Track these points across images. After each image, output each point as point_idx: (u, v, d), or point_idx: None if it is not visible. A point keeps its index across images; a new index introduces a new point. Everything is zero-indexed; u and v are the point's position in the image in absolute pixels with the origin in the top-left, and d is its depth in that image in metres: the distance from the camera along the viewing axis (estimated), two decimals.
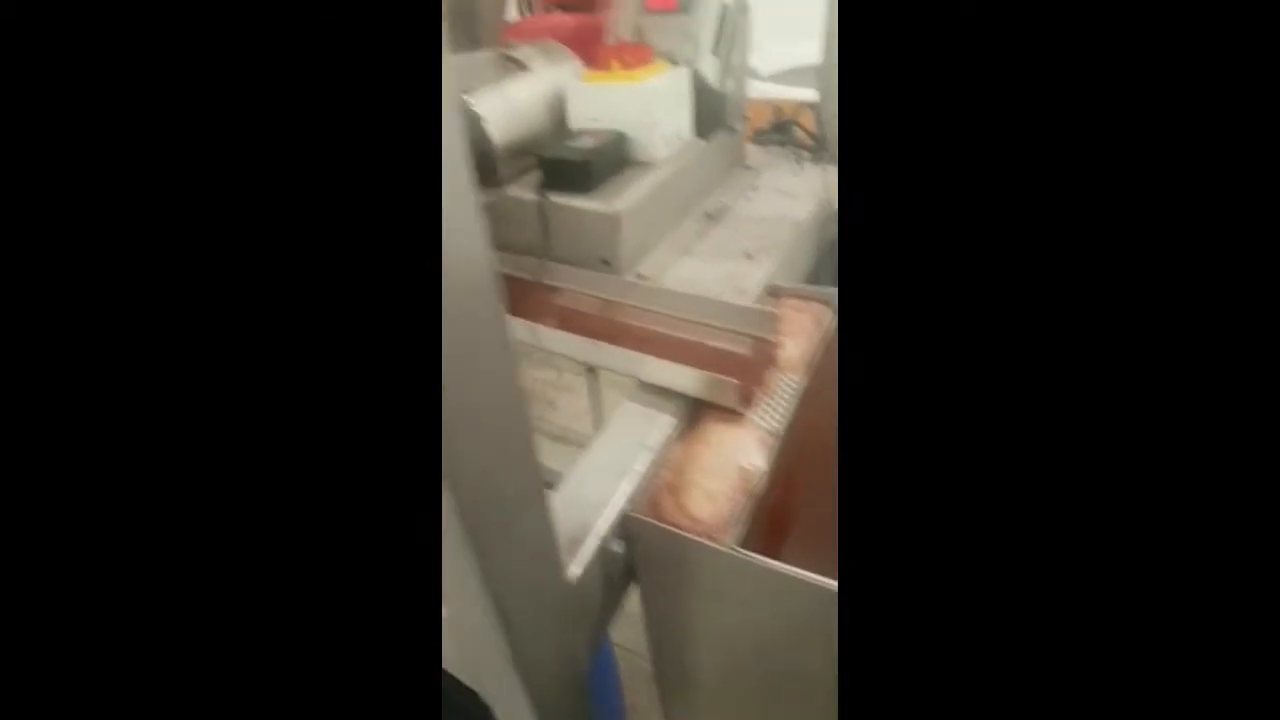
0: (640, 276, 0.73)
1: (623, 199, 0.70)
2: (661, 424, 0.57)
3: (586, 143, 0.72)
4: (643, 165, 0.78)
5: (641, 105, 0.75)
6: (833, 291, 0.73)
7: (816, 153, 1.04)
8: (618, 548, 0.50)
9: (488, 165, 0.70)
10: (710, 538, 0.49)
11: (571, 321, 0.66)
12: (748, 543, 0.50)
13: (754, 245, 0.82)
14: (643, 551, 0.52)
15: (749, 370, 0.62)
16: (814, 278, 0.96)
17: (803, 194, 0.95)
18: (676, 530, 0.49)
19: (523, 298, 0.70)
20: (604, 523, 0.49)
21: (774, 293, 0.75)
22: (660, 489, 0.54)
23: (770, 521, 0.52)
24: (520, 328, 0.65)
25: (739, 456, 0.56)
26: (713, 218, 0.88)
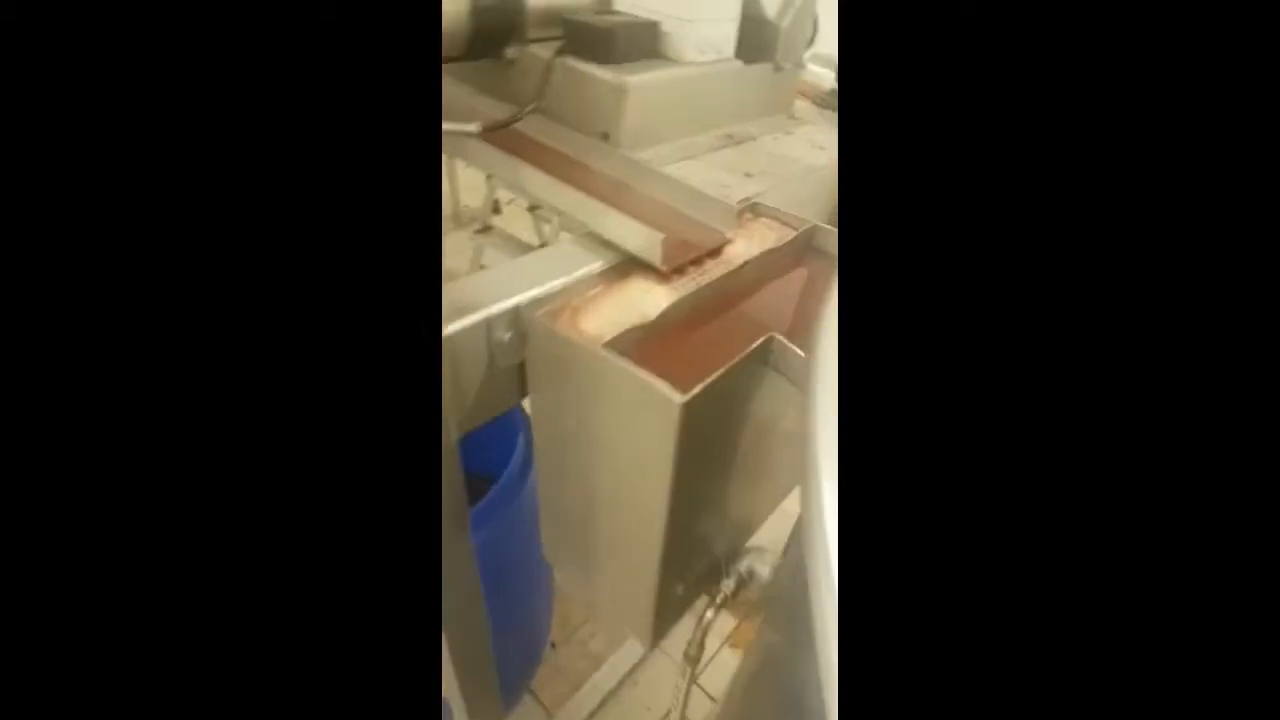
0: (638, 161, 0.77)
1: (635, 76, 0.74)
2: (586, 261, 0.61)
3: (617, 18, 0.76)
4: (673, 61, 0.81)
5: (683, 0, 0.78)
6: (813, 224, 0.75)
7: None
8: (504, 336, 0.55)
9: (518, 22, 0.76)
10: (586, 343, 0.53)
11: (547, 166, 0.71)
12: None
13: (758, 169, 0.84)
14: (530, 351, 0.57)
15: (689, 248, 0.65)
16: None
17: (834, 150, 0.96)
18: (554, 328, 0.53)
19: (513, 143, 0.76)
20: (497, 307, 0.54)
21: (754, 208, 0.77)
22: (564, 307, 0.58)
23: (651, 351, 0.56)
24: (501, 160, 0.71)
25: (646, 303, 0.59)
26: (734, 140, 0.91)
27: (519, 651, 1.27)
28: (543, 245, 0.68)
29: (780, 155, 0.91)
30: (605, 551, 0.64)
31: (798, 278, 0.71)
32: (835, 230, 0.77)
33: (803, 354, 0.55)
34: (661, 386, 0.46)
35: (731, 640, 1.46)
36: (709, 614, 0.72)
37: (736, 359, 0.49)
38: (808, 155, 0.92)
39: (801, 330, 0.63)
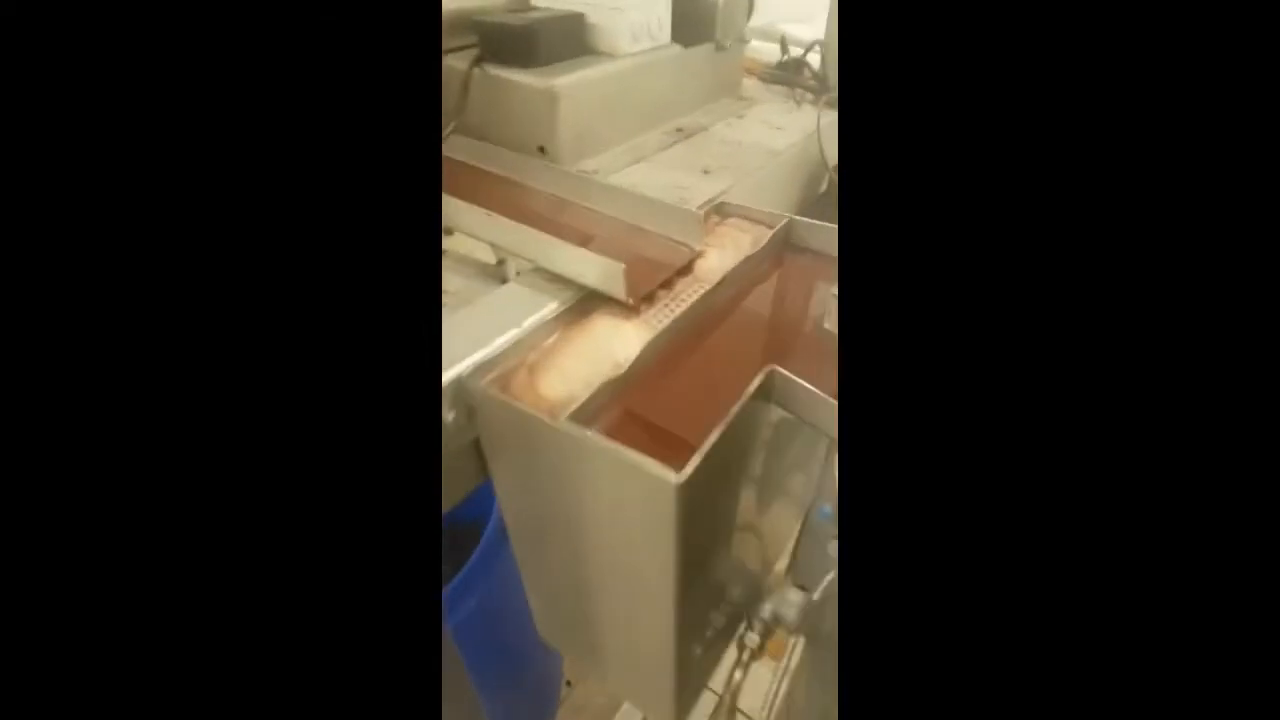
0: (583, 174, 0.68)
1: (566, 78, 0.65)
2: (539, 305, 0.52)
3: (536, 14, 0.66)
4: (605, 56, 0.72)
5: None
6: (787, 218, 0.66)
7: (818, 93, 0.96)
8: (447, 415, 0.45)
9: None
10: (551, 414, 0.44)
11: (477, 194, 0.61)
12: (597, 424, 0.45)
13: (716, 164, 0.75)
14: (483, 424, 0.47)
15: (656, 271, 0.56)
16: None
17: (791, 128, 0.87)
18: (508, 400, 0.44)
19: (449, 175, 0.66)
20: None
21: (720, 210, 0.69)
22: (518, 366, 0.49)
23: (631, 409, 0.47)
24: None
25: (615, 346, 0.50)
26: (684, 134, 0.82)
27: (532, 703, 1.19)
28: (500, 263, 0.59)
29: (736, 143, 0.82)
30: (609, 633, 0.55)
31: (779, 281, 0.63)
32: (811, 222, 0.68)
33: (807, 385, 0.46)
34: (652, 466, 0.37)
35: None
36: (736, 675, 0.64)
37: (734, 409, 0.41)
38: (765, 138, 0.84)
39: (793, 340, 0.55)
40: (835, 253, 0.65)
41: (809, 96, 0.97)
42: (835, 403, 0.47)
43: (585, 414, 0.44)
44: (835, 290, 0.55)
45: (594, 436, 0.40)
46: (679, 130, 0.82)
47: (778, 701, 0.74)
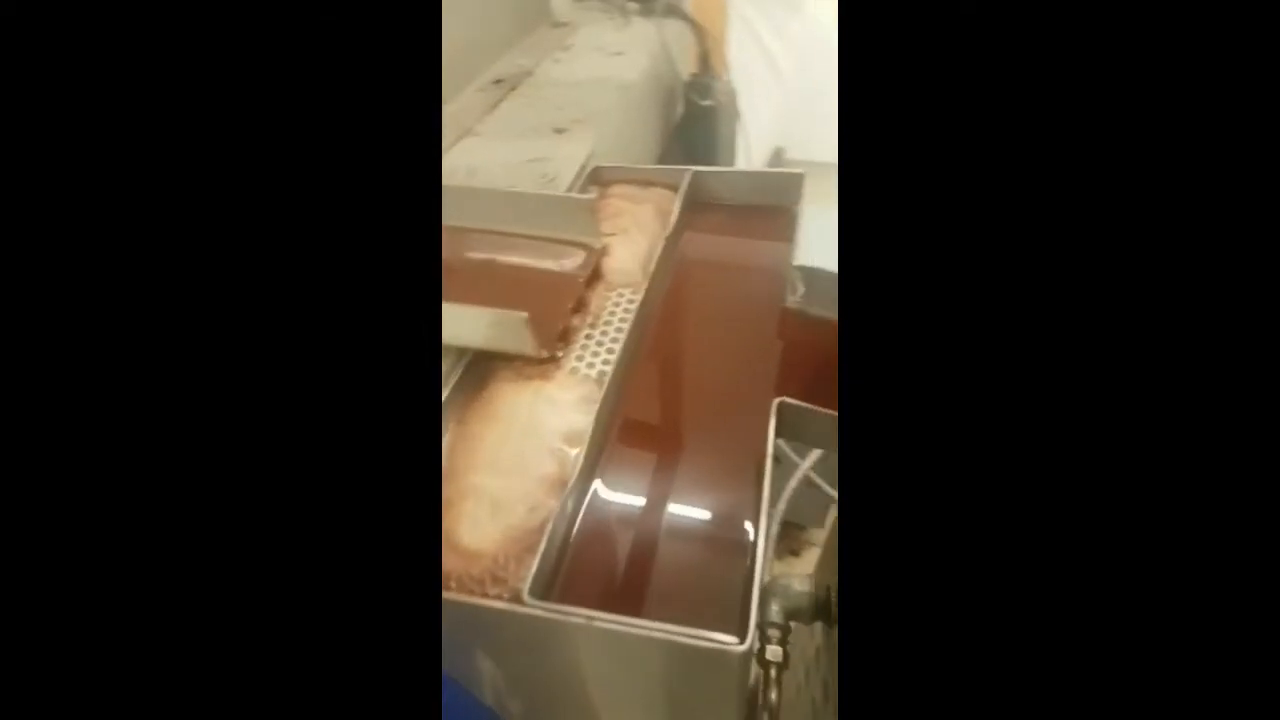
0: None
1: None
2: None
3: None
4: None
5: None
6: (685, 172, 0.52)
7: (646, 2, 0.80)
8: None
9: None
10: (495, 577, 0.29)
11: None
12: (565, 577, 0.30)
13: (567, 117, 0.58)
14: None
15: (557, 294, 0.40)
16: (663, 160, 0.75)
17: (633, 50, 0.71)
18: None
19: None
20: None
21: (598, 178, 0.53)
22: None
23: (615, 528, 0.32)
24: None
25: (546, 428, 0.34)
26: (508, 84, 0.63)
27: None
28: None
29: (575, 83, 0.65)
30: None
31: (708, 257, 0.49)
32: (717, 170, 0.55)
33: (823, 411, 0.34)
34: (703, 643, 0.23)
35: None
36: (772, 696, 0.54)
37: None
38: (607, 69, 0.68)
39: (768, 335, 0.42)
40: (753, 202, 0.52)
41: (633, 6, 0.81)
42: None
43: (550, 565, 0.29)
44: (794, 259, 0.43)
45: (592, 618, 0.25)
46: (498, 82, 0.64)
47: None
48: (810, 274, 0.41)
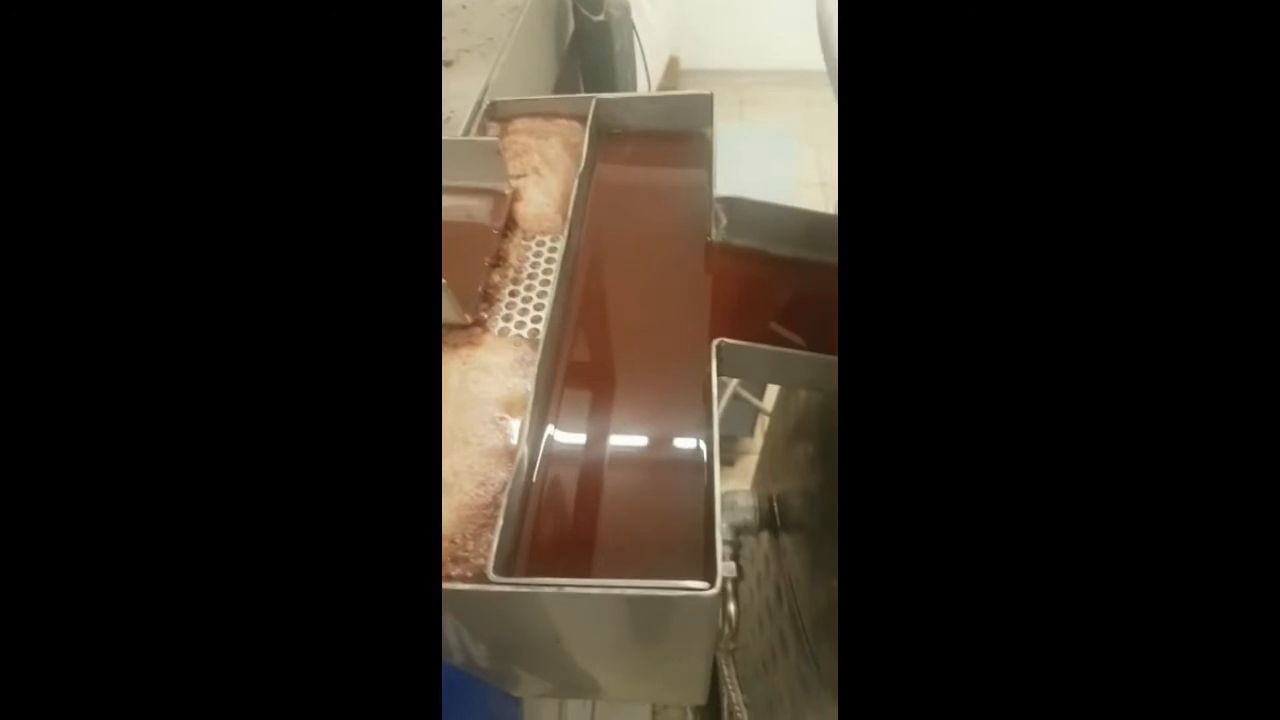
0: None
1: None
2: None
3: None
4: None
5: None
6: (588, 99, 0.48)
7: None
8: None
9: None
10: (455, 558, 0.28)
11: None
12: (528, 546, 0.30)
13: (452, 47, 0.53)
14: None
15: (471, 250, 0.38)
16: (560, 87, 0.70)
17: None
18: None
19: None
20: None
21: (496, 114, 0.49)
22: None
23: (558, 490, 0.32)
24: None
25: (484, 398, 0.33)
26: None
27: None
28: None
29: (459, 5, 0.59)
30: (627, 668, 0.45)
31: (616, 188, 0.47)
32: (622, 97, 0.52)
33: (758, 346, 0.35)
34: (676, 593, 0.24)
35: None
36: (731, 608, 0.58)
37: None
38: None
39: (691, 268, 0.42)
40: (662, 127, 0.50)
41: None
42: (791, 353, 0.37)
43: (509, 542, 0.28)
44: (714, 190, 0.42)
45: (558, 586, 0.25)
46: None
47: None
48: (730, 204, 0.41)
